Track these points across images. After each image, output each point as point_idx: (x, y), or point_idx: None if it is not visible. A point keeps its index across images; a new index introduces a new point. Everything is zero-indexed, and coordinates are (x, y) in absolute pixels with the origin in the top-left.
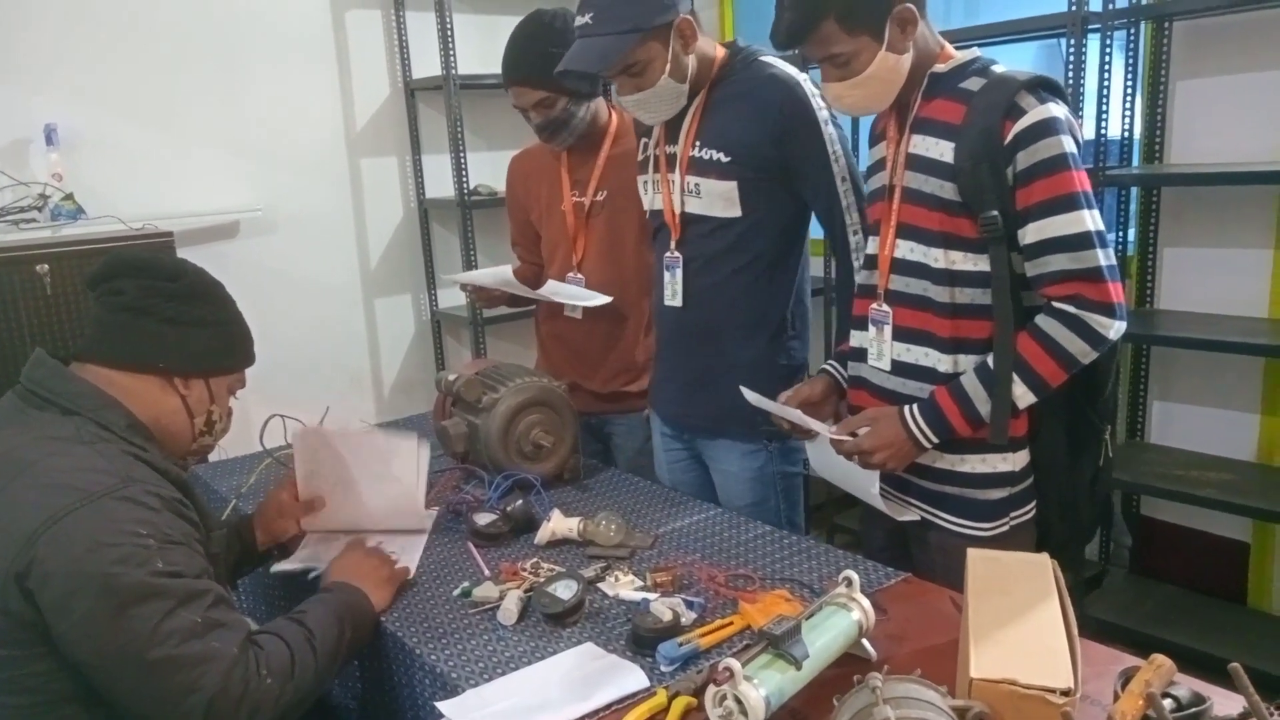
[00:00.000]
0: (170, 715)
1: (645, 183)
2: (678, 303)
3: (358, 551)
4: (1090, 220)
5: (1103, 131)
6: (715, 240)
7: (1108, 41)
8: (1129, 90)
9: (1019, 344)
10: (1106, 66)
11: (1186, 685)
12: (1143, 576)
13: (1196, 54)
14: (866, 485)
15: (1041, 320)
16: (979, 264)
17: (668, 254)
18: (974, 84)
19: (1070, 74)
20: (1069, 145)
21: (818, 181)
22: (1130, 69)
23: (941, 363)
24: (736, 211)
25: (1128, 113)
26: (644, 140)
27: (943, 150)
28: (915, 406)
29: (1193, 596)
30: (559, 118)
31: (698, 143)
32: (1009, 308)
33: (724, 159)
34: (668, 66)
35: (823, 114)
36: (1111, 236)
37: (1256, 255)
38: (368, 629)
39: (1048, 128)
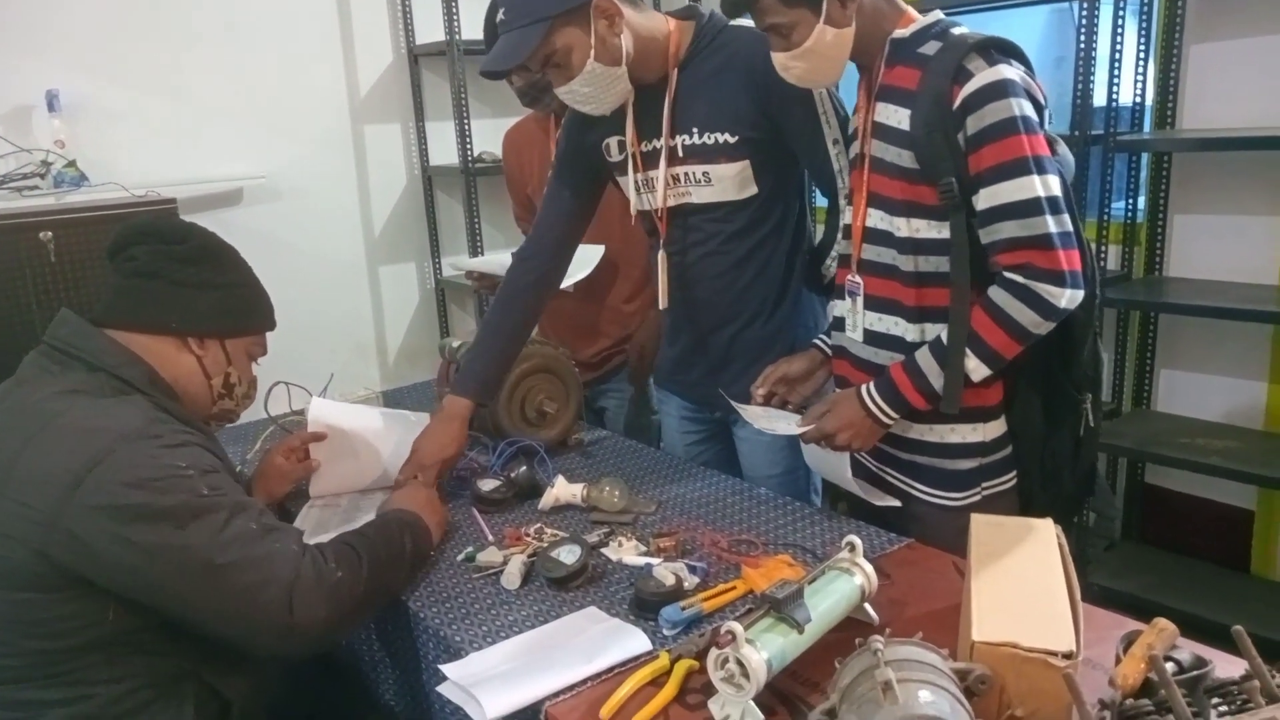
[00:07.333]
0: (253, 611)
1: (628, 185)
2: (666, 303)
3: (421, 489)
4: (1040, 185)
5: (1114, 97)
6: (728, 224)
7: (1121, 5)
8: (1141, 55)
9: (971, 316)
10: (1119, 30)
11: (1189, 649)
12: (1146, 544)
13: (1211, 17)
14: (840, 471)
15: (993, 291)
16: (942, 231)
17: (660, 253)
18: (931, 48)
19: (1082, 38)
20: (1019, 109)
21: (810, 145)
22: (1143, 33)
23: (909, 332)
24: (753, 189)
25: (1140, 78)
26: (607, 142)
27: (901, 118)
28: (871, 384)
29: (1197, 564)
30: (538, 82)
31: (695, 129)
32: (967, 277)
33: (730, 139)
34: (592, 51)
35: None
36: (1121, 204)
37: (1267, 222)
38: (426, 545)
39: (996, 90)
